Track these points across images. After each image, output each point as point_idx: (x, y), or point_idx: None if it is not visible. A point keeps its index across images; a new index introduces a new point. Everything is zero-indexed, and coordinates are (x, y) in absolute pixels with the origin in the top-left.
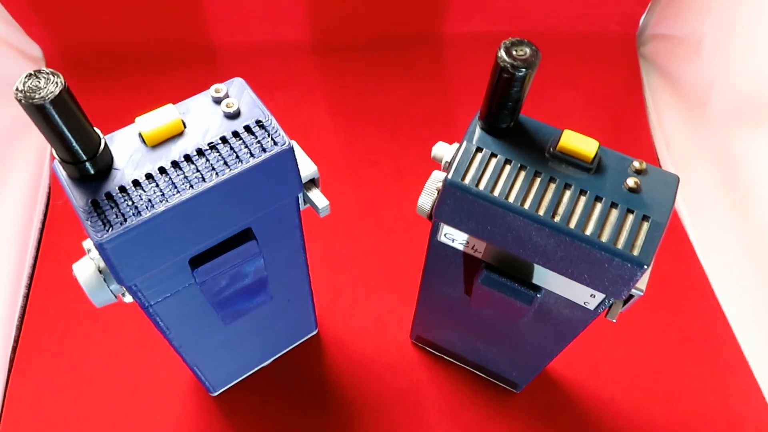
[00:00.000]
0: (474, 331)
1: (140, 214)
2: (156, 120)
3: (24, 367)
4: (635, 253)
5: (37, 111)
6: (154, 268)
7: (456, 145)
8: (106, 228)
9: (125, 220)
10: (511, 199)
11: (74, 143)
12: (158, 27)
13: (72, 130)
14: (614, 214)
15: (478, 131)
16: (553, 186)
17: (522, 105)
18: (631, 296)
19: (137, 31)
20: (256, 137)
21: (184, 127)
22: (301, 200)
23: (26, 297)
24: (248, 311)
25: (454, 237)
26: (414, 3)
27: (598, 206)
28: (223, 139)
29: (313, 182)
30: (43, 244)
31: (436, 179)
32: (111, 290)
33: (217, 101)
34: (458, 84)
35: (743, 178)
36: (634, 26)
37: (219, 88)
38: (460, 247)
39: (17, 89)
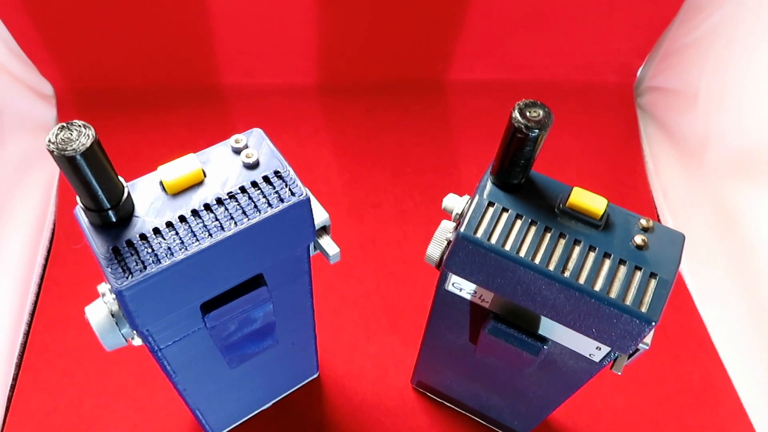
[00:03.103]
0: (477, 378)
1: (160, 262)
2: (177, 169)
3: (22, 405)
4: (644, 309)
5: (68, 163)
6: (169, 314)
7: (466, 197)
8: (126, 275)
9: (145, 267)
10: (522, 254)
11: (100, 193)
12: (168, 66)
13: (99, 180)
14: (622, 270)
15: (489, 186)
16: (563, 241)
17: (533, 164)
18: (636, 350)
19: (148, 70)
20: (274, 187)
21: (204, 176)
22: (311, 247)
23: (27, 334)
24: (254, 355)
25: (462, 287)
26: (419, 49)
27: (607, 263)
28: (242, 189)
29: (324, 229)
30: (46, 280)
31: (445, 229)
32: (122, 334)
33: (237, 151)
34: (461, 129)
35: (739, 228)
36: (632, 77)
37: (239, 139)
38: (468, 297)
39: (50, 141)
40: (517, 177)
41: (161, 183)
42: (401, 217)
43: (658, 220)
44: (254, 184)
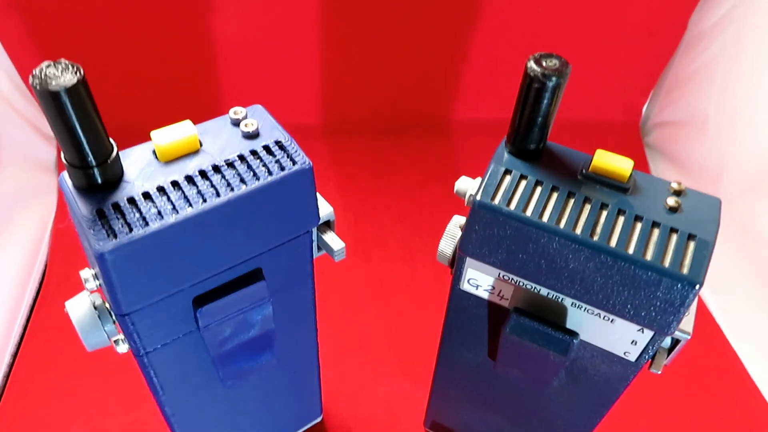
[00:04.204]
0: (498, 407)
1: (148, 225)
2: (172, 134)
3: None
4: (685, 272)
5: (52, 100)
6: (157, 296)
7: (480, 179)
8: (110, 237)
9: (131, 230)
10: (545, 219)
11: (85, 143)
12: (172, 107)
13: (84, 127)
14: (656, 233)
15: (505, 155)
16: (588, 206)
17: (552, 124)
18: (677, 342)
19: (154, 110)
20: (275, 156)
21: (201, 145)
22: (315, 247)
23: (7, 377)
24: (251, 371)
25: (479, 282)
26: (423, 89)
27: (639, 226)
28: (241, 157)
29: (328, 225)
30: (32, 322)
31: (456, 222)
32: (105, 331)
33: (236, 123)
34: (467, 168)
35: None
36: (637, 116)
37: (237, 110)
38: (485, 295)
39: (33, 75)
40: (534, 141)
41: (154, 152)
42: (409, 257)
43: None
44: (254, 152)
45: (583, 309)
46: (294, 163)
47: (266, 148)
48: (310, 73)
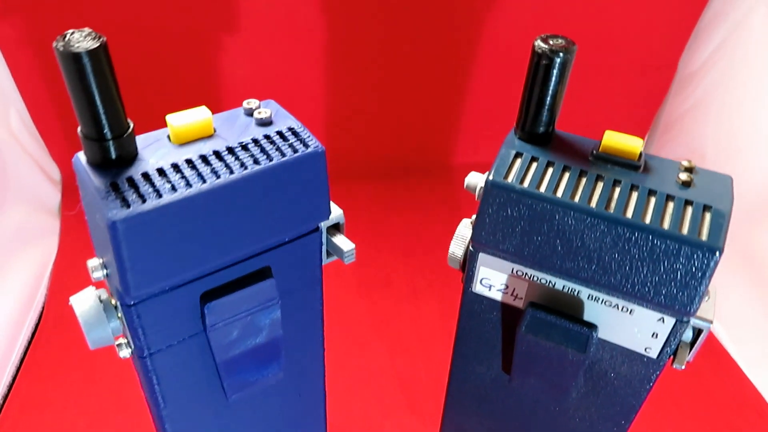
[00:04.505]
0: (515, 427)
1: (161, 197)
2: (187, 117)
3: None
4: (704, 238)
5: (73, 62)
6: (166, 280)
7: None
8: (123, 207)
9: (144, 201)
10: (559, 195)
11: (102, 112)
12: None
13: (103, 95)
14: (671, 205)
15: (515, 140)
16: (601, 183)
17: (560, 106)
18: (698, 333)
19: None
20: (288, 141)
21: (215, 131)
22: (324, 252)
23: None
24: (256, 386)
25: (492, 282)
26: (425, 134)
27: (653, 199)
28: (254, 140)
29: (337, 228)
30: (26, 363)
31: (466, 224)
32: (110, 327)
33: (249, 113)
34: (470, 209)
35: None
36: None
37: (251, 101)
38: (498, 296)
39: (58, 39)
40: (544, 123)
41: (168, 137)
42: (413, 296)
43: None
44: (267, 137)
45: (600, 302)
46: (307, 146)
47: (279, 133)
48: (314, 118)
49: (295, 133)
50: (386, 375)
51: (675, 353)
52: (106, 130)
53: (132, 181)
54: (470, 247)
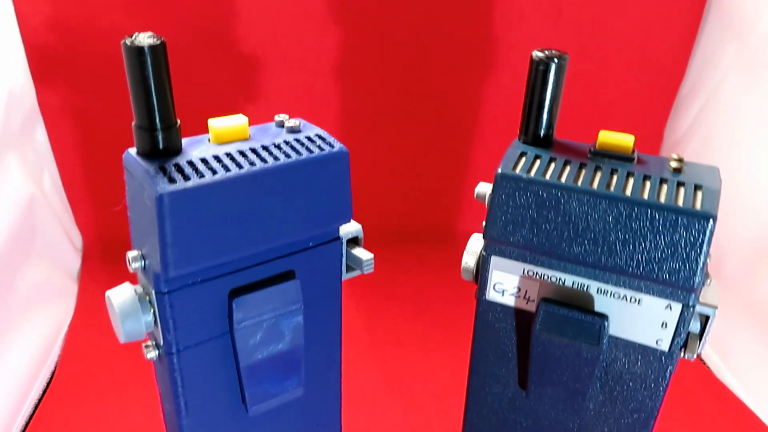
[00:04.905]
0: None
1: (203, 177)
2: (226, 121)
3: None
4: (698, 207)
5: (137, 54)
6: (202, 260)
7: None
8: (169, 183)
9: (188, 180)
10: (563, 181)
11: (155, 104)
12: None
13: (158, 88)
14: (666, 187)
15: (519, 144)
16: (600, 172)
17: (558, 110)
18: (706, 320)
19: None
20: (316, 143)
21: (250, 136)
22: (344, 266)
23: None
24: (276, 397)
25: (505, 287)
26: (431, 204)
27: (648, 182)
28: (286, 142)
29: (355, 241)
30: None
31: (475, 239)
32: (144, 320)
33: (280, 124)
34: None
35: None
36: None
37: (281, 115)
38: (511, 302)
39: (126, 38)
40: (544, 126)
41: (208, 139)
42: (423, 353)
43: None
44: (297, 140)
45: (609, 294)
46: (333, 147)
47: (308, 137)
48: None
49: (321, 138)
50: (399, 428)
51: (686, 345)
52: (157, 120)
53: (178, 165)
54: (483, 252)
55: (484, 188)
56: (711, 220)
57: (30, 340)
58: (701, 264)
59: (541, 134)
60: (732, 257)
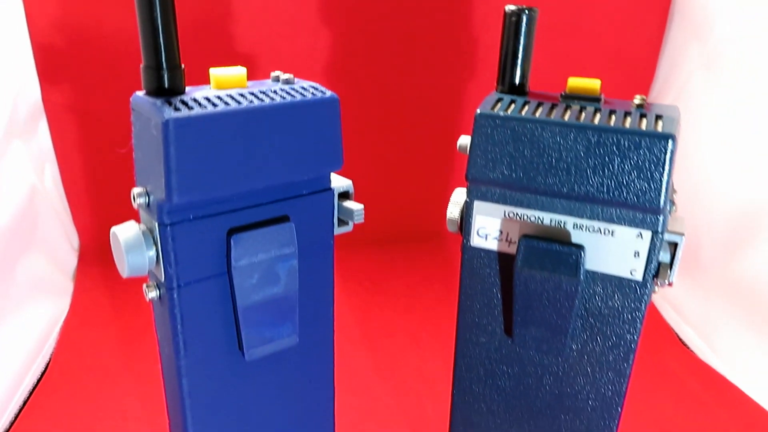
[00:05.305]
0: (522, 408)
1: (206, 108)
2: (227, 70)
3: None
4: (659, 130)
5: None
6: (203, 190)
7: None
8: (176, 111)
9: (191, 109)
10: (537, 116)
11: (162, 44)
12: None
13: (165, 30)
14: (630, 118)
15: (495, 93)
16: (570, 111)
17: (530, 61)
18: (675, 249)
19: None
20: (309, 90)
21: (248, 85)
22: (335, 220)
23: None
24: (271, 343)
25: (488, 231)
26: (420, 207)
27: (614, 116)
28: (281, 89)
29: (346, 195)
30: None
31: (459, 192)
32: (147, 255)
33: (276, 79)
34: None
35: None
36: None
37: (276, 72)
38: (494, 246)
39: None
40: (519, 75)
41: (209, 87)
42: (416, 344)
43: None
44: (292, 88)
45: (584, 229)
46: (324, 94)
47: (302, 87)
48: None
49: (314, 87)
50: (393, 413)
51: (658, 272)
52: (163, 60)
53: (182, 101)
54: (466, 199)
55: (466, 140)
56: (671, 140)
57: (25, 329)
58: (665, 183)
59: (516, 83)
60: (708, 242)
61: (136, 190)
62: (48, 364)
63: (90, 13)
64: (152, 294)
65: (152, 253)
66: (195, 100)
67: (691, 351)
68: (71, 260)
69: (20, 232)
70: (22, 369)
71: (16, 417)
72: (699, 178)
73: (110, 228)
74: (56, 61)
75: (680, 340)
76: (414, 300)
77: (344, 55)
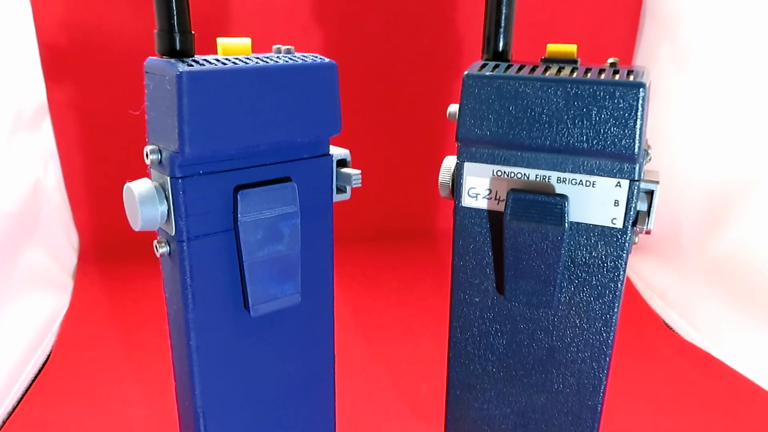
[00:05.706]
0: (515, 368)
1: (215, 65)
2: (233, 40)
3: None
4: (632, 79)
5: None
6: (214, 143)
7: None
8: (188, 67)
9: (202, 65)
10: (520, 74)
11: (175, 9)
12: None
13: None
14: (604, 74)
15: (481, 61)
16: (549, 70)
17: (512, 29)
18: (651, 197)
19: None
20: (308, 58)
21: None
22: (334, 186)
23: None
24: (275, 300)
25: (478, 190)
26: (411, 204)
27: (590, 73)
28: (283, 57)
29: (344, 164)
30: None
31: (449, 159)
32: (160, 209)
33: (278, 50)
34: None
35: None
36: None
37: (277, 45)
38: (484, 205)
39: None
40: (503, 41)
41: (217, 54)
42: (410, 333)
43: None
44: (293, 57)
45: (567, 182)
46: (323, 60)
47: (303, 55)
48: None
49: (314, 56)
50: (390, 392)
51: (636, 220)
52: (176, 23)
53: (194, 60)
54: (457, 161)
55: (455, 107)
56: (642, 89)
57: (26, 319)
58: (639, 130)
59: (500, 49)
60: (686, 226)
61: (148, 148)
62: (49, 356)
63: (95, 14)
64: (163, 249)
65: (164, 207)
66: (206, 60)
67: (676, 332)
68: (71, 259)
69: (24, 221)
70: (22, 359)
71: (14, 409)
72: (673, 164)
73: (110, 228)
74: (61, 61)
75: (665, 324)
76: (407, 293)
77: (337, 49)
